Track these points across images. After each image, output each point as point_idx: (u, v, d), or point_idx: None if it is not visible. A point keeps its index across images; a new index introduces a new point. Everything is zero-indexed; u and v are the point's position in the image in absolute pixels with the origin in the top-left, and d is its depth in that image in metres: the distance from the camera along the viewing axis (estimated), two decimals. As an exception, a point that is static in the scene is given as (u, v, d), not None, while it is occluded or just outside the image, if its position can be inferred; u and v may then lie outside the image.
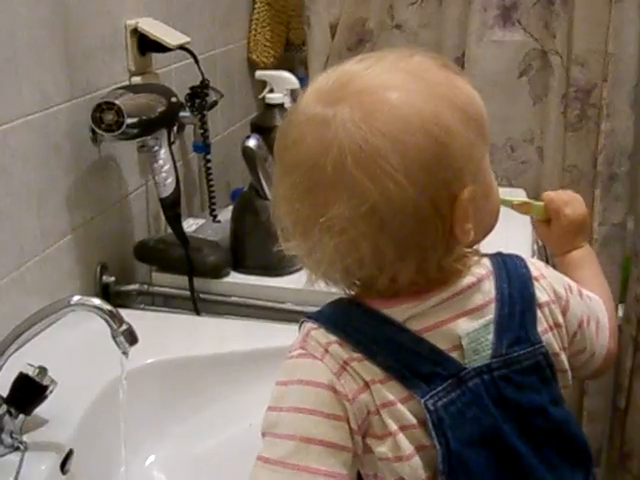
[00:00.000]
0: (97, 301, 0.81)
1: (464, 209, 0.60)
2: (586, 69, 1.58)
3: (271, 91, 1.59)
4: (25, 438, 0.81)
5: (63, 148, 1.10)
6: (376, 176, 0.58)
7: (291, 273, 1.25)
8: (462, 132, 0.60)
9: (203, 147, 1.43)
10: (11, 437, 0.80)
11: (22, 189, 1.01)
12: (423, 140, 0.58)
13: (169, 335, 1.07)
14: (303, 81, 1.65)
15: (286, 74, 1.64)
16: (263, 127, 1.34)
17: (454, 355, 0.63)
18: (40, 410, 0.82)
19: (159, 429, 0.97)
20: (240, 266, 1.28)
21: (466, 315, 0.64)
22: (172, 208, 1.23)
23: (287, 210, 0.63)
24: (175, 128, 1.26)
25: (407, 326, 0.63)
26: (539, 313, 0.67)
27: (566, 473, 0.66)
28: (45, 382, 0.80)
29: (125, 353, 0.82)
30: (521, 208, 0.83)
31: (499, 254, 0.70)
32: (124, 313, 0.82)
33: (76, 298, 0.81)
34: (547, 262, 1.40)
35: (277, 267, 1.25)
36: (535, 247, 1.36)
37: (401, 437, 0.60)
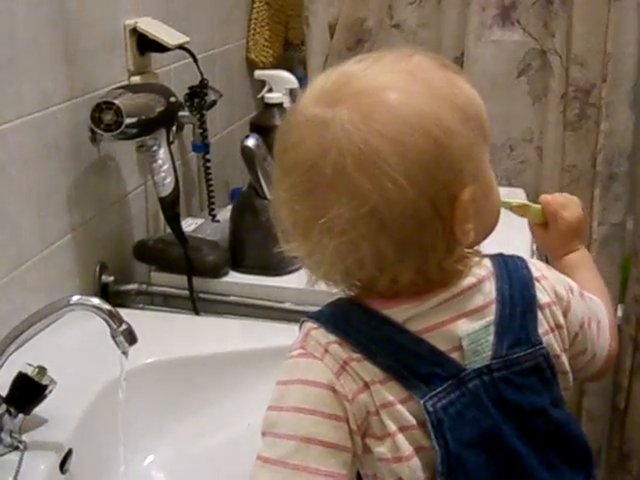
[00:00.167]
0: (96, 301, 0.81)
1: (464, 210, 0.60)
2: (585, 69, 1.58)
3: (270, 91, 1.59)
4: (24, 437, 0.81)
5: (62, 148, 1.10)
6: (375, 177, 0.57)
7: (290, 273, 1.25)
8: (462, 132, 0.60)
9: (202, 147, 1.43)
10: (10, 436, 0.80)
11: (21, 189, 1.01)
12: (423, 141, 0.58)
13: (168, 335, 1.07)
14: (302, 81, 1.65)
15: (285, 74, 1.64)
16: (262, 127, 1.34)
17: (454, 356, 0.63)
18: (39, 410, 0.82)
19: (158, 429, 0.97)
20: (239, 266, 1.28)
21: (466, 316, 0.64)
22: (171, 208, 1.23)
23: (287, 211, 0.63)
24: (174, 128, 1.26)
25: (407, 327, 0.62)
26: (540, 314, 0.67)
27: (566, 475, 0.66)
28: (44, 382, 0.80)
29: (124, 353, 0.82)
30: (519, 210, 0.83)
31: (500, 255, 0.70)
32: (123, 313, 0.82)
33: (75, 298, 0.81)
34: (546, 263, 1.40)
35: (276, 267, 1.25)
36: (534, 247, 1.36)
37: (400, 438, 0.60)
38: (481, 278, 0.65)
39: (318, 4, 1.69)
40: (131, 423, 0.88)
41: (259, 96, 1.65)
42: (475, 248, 0.66)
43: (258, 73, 1.69)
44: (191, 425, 0.98)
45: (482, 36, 1.64)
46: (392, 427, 0.60)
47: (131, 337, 0.81)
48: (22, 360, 0.81)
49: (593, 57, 1.57)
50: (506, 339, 0.64)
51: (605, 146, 1.60)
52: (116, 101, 1.09)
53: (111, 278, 1.22)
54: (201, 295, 1.24)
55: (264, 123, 1.37)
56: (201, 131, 1.40)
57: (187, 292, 1.23)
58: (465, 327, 0.63)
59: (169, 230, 1.25)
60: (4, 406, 0.80)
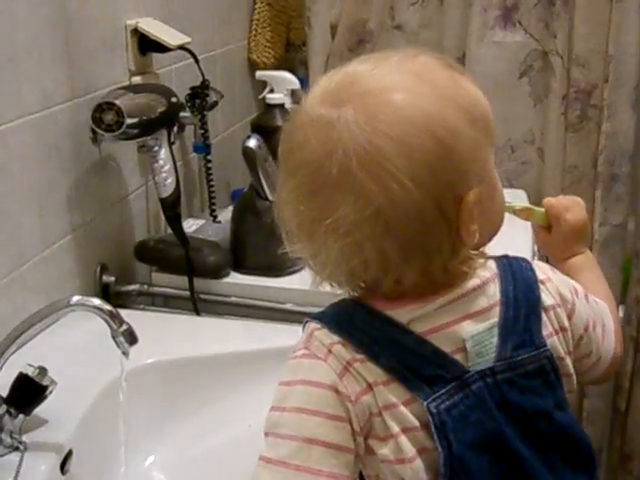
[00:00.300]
0: (97, 301, 0.81)
1: (469, 211, 0.60)
2: (587, 70, 1.58)
3: (271, 91, 1.59)
4: (25, 438, 0.81)
5: (63, 148, 1.10)
6: (381, 178, 0.57)
7: (291, 274, 1.25)
8: (468, 133, 0.60)
9: (203, 147, 1.43)
10: (11, 437, 0.80)
11: (22, 189, 1.01)
12: (428, 142, 0.58)
13: (169, 335, 1.07)
14: (303, 82, 1.65)
15: (286, 74, 1.64)
16: (263, 127, 1.34)
17: (458, 358, 0.63)
18: (40, 410, 0.82)
19: (159, 429, 0.96)
20: (240, 266, 1.28)
21: (470, 318, 0.64)
22: (172, 208, 1.22)
23: (291, 213, 0.62)
24: (175, 128, 1.26)
25: (411, 328, 0.62)
26: (544, 316, 0.67)
27: (569, 477, 0.66)
28: (45, 382, 0.80)
29: (125, 353, 0.82)
30: (522, 214, 0.83)
31: (505, 257, 0.70)
32: (124, 313, 0.82)
33: (76, 298, 0.80)
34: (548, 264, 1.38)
35: (277, 267, 1.25)
36: (535, 249, 1.36)
37: (403, 439, 0.60)
38: (485, 280, 0.65)
39: (320, 5, 1.69)
40: (132, 424, 0.88)
41: (260, 97, 1.65)
42: (480, 250, 0.66)
43: (259, 74, 1.69)
44: (192, 426, 0.98)
45: (484, 37, 1.63)
46: (395, 428, 0.60)
47: (132, 338, 0.81)
48: (22, 361, 0.80)
49: (595, 58, 1.57)
50: (510, 341, 0.64)
51: (606, 147, 1.60)
52: (117, 101, 1.08)
53: (112, 279, 1.21)
54: (202, 296, 1.23)
55: (265, 124, 1.37)
56: (202, 132, 1.40)
57: (188, 293, 1.22)
58: (469, 329, 0.63)
59: (170, 231, 1.24)
60: (4, 407, 0.80)
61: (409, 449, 0.60)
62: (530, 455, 0.63)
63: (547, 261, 1.50)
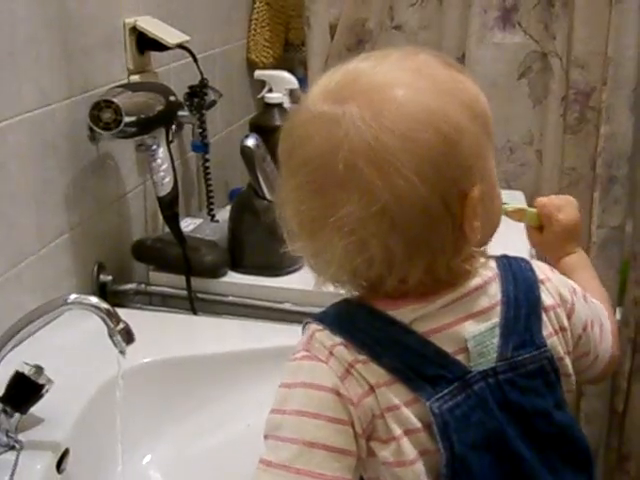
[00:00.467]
0: (94, 299, 0.81)
1: (473, 207, 0.60)
2: (586, 72, 1.58)
3: (270, 91, 1.59)
4: (21, 437, 0.81)
5: (61, 146, 1.10)
6: (387, 174, 0.57)
7: (289, 273, 1.25)
8: (471, 129, 0.60)
9: (201, 146, 1.42)
10: (7, 436, 0.80)
11: (19, 187, 1.01)
12: (433, 137, 0.58)
13: (166, 334, 1.07)
14: (302, 81, 1.65)
15: (285, 74, 1.64)
16: (262, 127, 1.34)
17: (460, 358, 0.62)
18: (36, 409, 0.82)
19: (156, 428, 0.96)
20: (238, 266, 1.27)
21: (472, 318, 0.63)
22: (170, 207, 1.22)
23: (294, 211, 0.62)
24: (173, 127, 1.25)
25: (413, 328, 0.62)
26: (544, 316, 0.67)
27: (568, 478, 0.66)
28: (41, 381, 0.80)
29: (122, 352, 0.81)
30: (515, 215, 0.82)
31: (504, 256, 0.70)
32: (121, 312, 0.82)
33: (73, 296, 0.80)
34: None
35: (275, 267, 1.25)
36: (534, 251, 1.35)
37: (405, 442, 0.60)
38: (487, 280, 0.65)
39: (319, 5, 1.69)
40: (128, 423, 0.88)
41: (259, 96, 1.65)
42: (482, 248, 0.66)
43: (258, 73, 1.69)
44: (189, 425, 0.98)
45: (483, 38, 1.63)
46: (397, 431, 0.60)
47: (129, 336, 0.81)
48: (19, 359, 0.80)
49: (594, 60, 1.57)
50: (511, 341, 0.64)
51: (605, 149, 1.60)
52: (115, 100, 1.08)
53: (109, 277, 1.21)
54: (199, 295, 1.23)
55: (264, 123, 1.37)
56: (200, 131, 1.39)
57: (185, 292, 1.22)
58: (471, 329, 0.63)
59: (168, 230, 1.24)
60: (0, 405, 0.80)
61: (410, 451, 0.60)
62: (531, 455, 0.63)
63: (546, 261, 1.49)
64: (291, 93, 1.58)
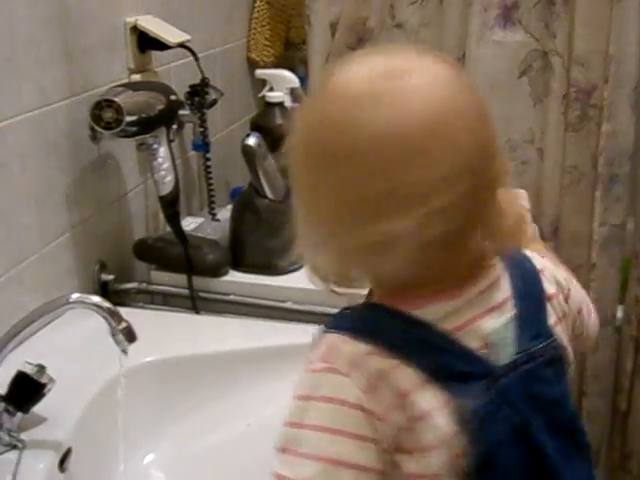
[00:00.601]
0: (96, 299, 0.81)
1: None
2: (587, 70, 1.58)
3: (271, 90, 1.59)
4: (23, 436, 0.81)
5: (62, 146, 1.10)
6: (473, 131, 0.57)
7: (290, 272, 1.25)
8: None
9: (202, 145, 1.42)
10: (9, 435, 0.80)
11: (21, 186, 1.01)
12: (478, 99, 0.59)
13: (168, 333, 1.07)
14: (303, 80, 1.65)
15: (286, 73, 1.64)
16: (263, 126, 1.33)
17: (484, 354, 0.62)
18: (38, 408, 0.82)
19: (158, 427, 0.96)
20: (239, 265, 1.27)
21: (490, 312, 0.63)
22: (171, 206, 1.22)
23: (340, 202, 0.58)
24: (174, 126, 1.25)
25: (439, 326, 0.60)
26: (549, 306, 0.67)
27: (578, 467, 0.66)
28: (43, 380, 0.80)
29: (124, 351, 0.81)
30: None
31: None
32: (123, 311, 0.82)
33: (75, 296, 0.80)
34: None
35: (276, 266, 1.25)
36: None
37: (432, 451, 0.58)
38: (498, 275, 0.65)
39: (320, 3, 1.68)
40: (130, 422, 0.88)
41: (260, 95, 1.65)
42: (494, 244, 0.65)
43: (259, 72, 1.69)
44: (190, 424, 0.98)
45: (484, 36, 1.63)
46: (425, 440, 0.58)
47: (130, 335, 0.81)
48: (21, 358, 0.80)
49: (595, 58, 1.57)
50: (526, 333, 0.64)
51: (606, 147, 1.59)
52: (116, 99, 1.08)
53: (111, 277, 1.21)
54: (201, 294, 1.23)
55: (265, 122, 1.36)
56: (201, 130, 1.39)
57: (187, 291, 1.22)
58: (491, 323, 0.62)
59: (169, 229, 1.24)
60: (3, 404, 0.80)
61: (436, 462, 0.58)
62: (552, 446, 0.63)
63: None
64: (292, 92, 1.58)
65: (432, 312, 0.61)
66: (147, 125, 1.16)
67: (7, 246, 0.99)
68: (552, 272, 0.70)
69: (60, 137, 1.09)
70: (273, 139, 1.24)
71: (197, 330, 1.11)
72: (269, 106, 1.38)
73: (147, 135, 1.18)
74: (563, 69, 1.60)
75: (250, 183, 1.26)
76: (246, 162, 1.23)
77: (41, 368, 0.80)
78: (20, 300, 1.00)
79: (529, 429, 0.62)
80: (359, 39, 1.70)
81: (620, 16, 1.52)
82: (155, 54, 1.32)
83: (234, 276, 1.26)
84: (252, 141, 1.22)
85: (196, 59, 1.35)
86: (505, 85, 1.65)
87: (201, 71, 1.37)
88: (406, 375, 0.58)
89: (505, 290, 0.65)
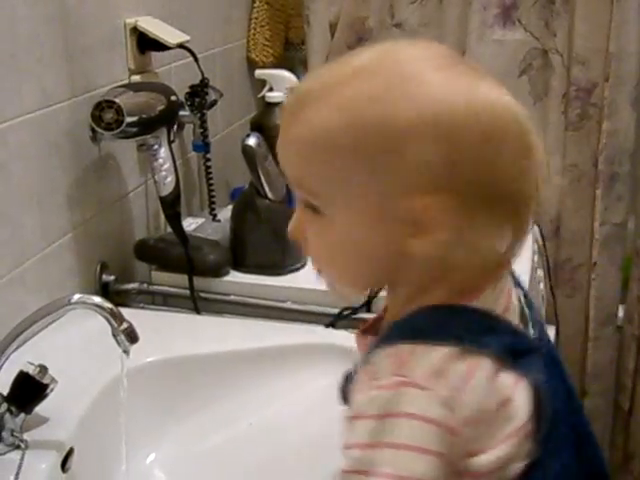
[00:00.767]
0: (98, 299, 0.81)
1: None
2: (587, 68, 1.58)
3: (271, 90, 1.59)
4: (26, 436, 0.81)
5: (63, 146, 1.10)
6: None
7: (291, 272, 1.25)
8: None
9: (203, 146, 1.42)
10: (12, 435, 0.80)
11: (22, 187, 1.01)
12: None
13: (169, 334, 1.07)
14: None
15: (285, 73, 1.64)
16: (263, 126, 1.34)
17: (526, 330, 0.62)
18: (40, 408, 0.82)
19: (159, 427, 0.96)
20: (240, 265, 1.27)
21: (511, 291, 0.63)
22: (172, 207, 1.22)
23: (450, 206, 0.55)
24: (175, 127, 1.25)
25: (495, 311, 0.59)
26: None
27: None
28: (45, 380, 0.80)
29: (126, 352, 0.81)
30: None
31: None
32: (124, 312, 0.82)
33: (76, 296, 0.80)
34: (548, 271, 1.40)
35: (277, 266, 1.25)
36: (535, 258, 1.35)
37: (508, 441, 0.56)
38: None
39: (319, 3, 1.69)
40: (132, 422, 0.88)
41: (260, 95, 1.65)
42: None
43: (259, 72, 1.69)
44: (192, 424, 0.98)
45: (483, 35, 1.63)
46: (505, 428, 0.56)
47: (132, 336, 0.81)
48: (23, 359, 0.80)
49: (595, 56, 1.57)
50: (534, 309, 0.64)
51: (607, 146, 1.59)
52: (117, 100, 1.08)
53: (112, 277, 1.21)
54: (202, 294, 1.23)
55: (265, 122, 1.37)
56: (202, 130, 1.39)
57: (188, 291, 1.22)
58: (517, 300, 0.63)
59: (170, 229, 1.24)
60: (5, 405, 0.80)
61: (507, 452, 0.56)
62: (585, 417, 0.64)
63: (548, 267, 1.49)
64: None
65: (485, 300, 0.59)
66: (148, 126, 1.16)
67: (9, 247, 0.99)
68: None
69: (61, 138, 1.09)
70: (273, 139, 1.24)
71: (198, 330, 1.11)
72: (269, 106, 1.39)
73: (148, 136, 1.18)
74: (563, 68, 1.60)
75: (250, 183, 1.26)
76: (246, 162, 1.23)
77: (43, 368, 0.80)
78: (22, 301, 1.00)
79: (572, 398, 0.63)
80: (358, 39, 1.70)
81: (620, 14, 1.53)
82: (155, 55, 1.32)
83: (235, 276, 1.26)
84: (252, 141, 1.22)
85: (196, 60, 1.36)
86: (505, 84, 1.64)
87: (201, 72, 1.37)
88: (486, 366, 0.56)
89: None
